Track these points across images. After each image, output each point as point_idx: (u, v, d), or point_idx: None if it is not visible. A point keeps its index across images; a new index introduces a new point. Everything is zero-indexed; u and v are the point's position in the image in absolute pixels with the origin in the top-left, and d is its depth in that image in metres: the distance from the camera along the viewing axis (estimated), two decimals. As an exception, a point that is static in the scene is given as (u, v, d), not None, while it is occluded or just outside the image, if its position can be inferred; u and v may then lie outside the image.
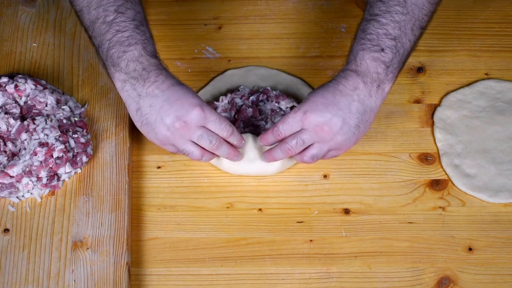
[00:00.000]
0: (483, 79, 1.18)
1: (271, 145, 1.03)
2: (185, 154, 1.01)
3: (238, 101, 1.13)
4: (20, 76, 1.11)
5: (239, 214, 1.06)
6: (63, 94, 1.14)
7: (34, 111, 1.08)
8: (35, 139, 1.04)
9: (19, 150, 1.06)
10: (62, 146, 1.04)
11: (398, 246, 1.03)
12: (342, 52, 1.21)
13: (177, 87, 0.97)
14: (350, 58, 1.00)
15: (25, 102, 1.09)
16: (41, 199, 1.04)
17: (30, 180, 1.03)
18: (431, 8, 1.00)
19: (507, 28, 1.25)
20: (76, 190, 1.05)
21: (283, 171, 1.09)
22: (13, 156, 1.05)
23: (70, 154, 1.05)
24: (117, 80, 0.98)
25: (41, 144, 1.03)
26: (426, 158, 1.11)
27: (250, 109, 1.11)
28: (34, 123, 1.06)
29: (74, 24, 1.22)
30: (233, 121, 1.11)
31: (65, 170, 1.04)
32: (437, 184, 1.09)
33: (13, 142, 1.06)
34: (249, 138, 1.06)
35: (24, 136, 1.05)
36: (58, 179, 1.05)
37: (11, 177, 1.03)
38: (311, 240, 1.04)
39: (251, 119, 1.11)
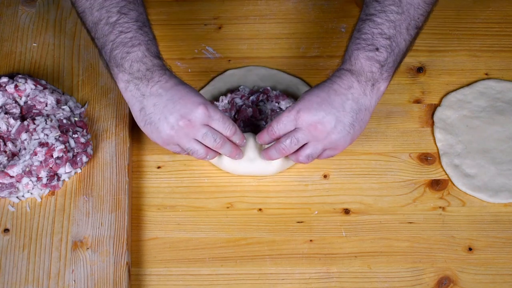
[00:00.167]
0: (483, 79, 1.18)
1: (268, 143, 1.04)
2: (189, 153, 1.01)
3: (238, 101, 1.13)
4: (20, 76, 1.11)
5: (239, 214, 1.06)
6: (63, 94, 1.14)
7: (34, 111, 1.08)
8: (35, 139, 1.04)
9: (19, 150, 1.06)
10: (62, 146, 1.04)
11: (398, 246, 1.03)
12: (342, 52, 1.20)
13: (181, 87, 0.98)
14: (345, 57, 1.00)
15: (25, 102, 1.09)
16: (41, 199, 1.04)
17: (30, 180, 1.03)
18: (427, 8, 1.00)
19: (507, 28, 1.25)
20: (76, 190, 1.05)
21: (283, 171, 1.09)
22: (13, 156, 1.05)
23: (70, 154, 1.05)
24: (120, 81, 0.98)
25: (41, 144, 1.03)
26: (426, 158, 1.11)
27: (250, 109, 1.11)
28: (34, 123, 1.06)
29: (74, 24, 1.22)
30: (233, 121, 1.11)
31: (65, 170, 1.05)
32: (437, 184, 1.09)
33: (13, 142, 1.06)
34: (250, 137, 1.06)
35: (24, 136, 1.05)
36: (58, 179, 1.05)
37: (11, 177, 1.03)
38: (311, 240, 1.04)
39: (251, 119, 1.11)
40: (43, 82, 1.13)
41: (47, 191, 1.05)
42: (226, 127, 0.99)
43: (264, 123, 1.11)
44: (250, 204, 1.07)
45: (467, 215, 1.06)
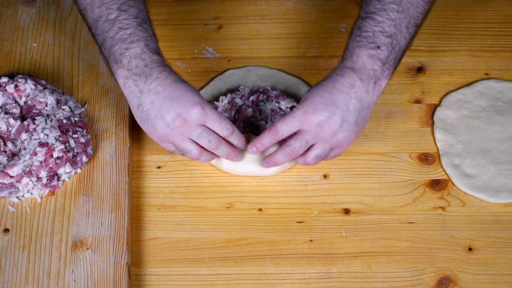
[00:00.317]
0: (483, 79, 1.18)
1: (266, 148, 1.03)
2: (183, 153, 1.01)
3: (238, 101, 1.13)
4: (20, 76, 1.11)
5: (239, 214, 1.06)
6: (63, 94, 1.14)
7: (34, 111, 1.08)
8: (35, 139, 1.04)
9: (19, 150, 1.06)
10: (62, 146, 1.04)
11: (398, 246, 1.03)
12: (342, 52, 1.20)
13: (179, 85, 0.98)
14: (346, 55, 1.00)
15: (25, 102, 1.09)
16: (41, 199, 1.04)
17: (30, 180, 1.03)
18: (426, 6, 1.01)
19: (507, 28, 1.25)
20: (76, 190, 1.05)
21: (283, 171, 1.09)
22: (13, 156, 1.05)
23: (70, 154, 1.05)
24: (119, 77, 0.98)
25: (41, 144, 1.03)
26: (426, 158, 1.11)
27: (250, 109, 1.11)
28: (34, 123, 1.06)
29: (74, 24, 1.22)
30: (233, 121, 1.11)
31: (65, 170, 1.05)
32: (437, 184, 1.09)
33: (13, 142, 1.06)
34: (250, 138, 1.06)
35: (24, 136, 1.05)
36: (58, 179, 1.05)
37: (11, 177, 1.03)
38: (311, 240, 1.04)
39: (251, 119, 1.11)
40: (43, 82, 1.13)
41: (47, 191, 1.05)
42: (223, 127, 0.98)
43: (264, 123, 1.11)
44: (250, 204, 1.07)
45: (467, 215, 1.06)
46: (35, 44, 1.20)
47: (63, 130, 1.06)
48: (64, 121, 1.08)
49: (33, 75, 1.16)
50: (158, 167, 1.10)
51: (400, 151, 1.12)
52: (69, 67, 1.17)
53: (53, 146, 1.03)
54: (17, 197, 1.04)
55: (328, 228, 1.05)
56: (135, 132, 1.12)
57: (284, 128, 0.99)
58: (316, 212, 1.06)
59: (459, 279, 1.01)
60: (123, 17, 0.98)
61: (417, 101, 1.17)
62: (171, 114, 0.96)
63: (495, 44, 1.23)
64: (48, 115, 1.08)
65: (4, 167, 1.03)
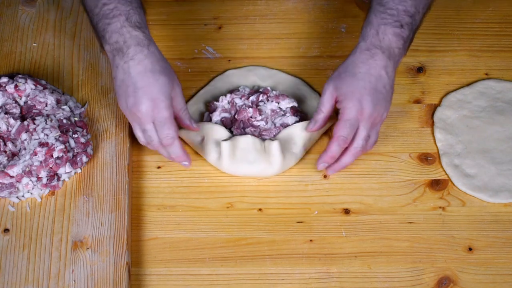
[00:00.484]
0: (483, 79, 1.18)
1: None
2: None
3: (238, 101, 1.13)
4: (20, 76, 1.11)
5: (239, 214, 1.06)
6: (63, 94, 1.14)
7: (34, 111, 1.08)
8: (35, 139, 1.04)
9: (19, 150, 1.06)
10: (62, 146, 1.04)
11: (398, 246, 1.03)
12: (342, 52, 1.21)
13: (149, 74, 0.99)
14: (368, 31, 1.02)
15: (25, 102, 1.09)
16: (41, 199, 1.04)
17: (30, 180, 1.03)
18: None
19: (507, 28, 1.25)
20: (76, 190, 1.05)
21: (284, 171, 1.09)
22: (13, 156, 1.05)
23: (70, 154, 1.05)
24: (107, 52, 1.02)
25: (41, 144, 1.03)
26: (426, 158, 1.11)
27: (250, 109, 1.11)
28: (34, 123, 1.06)
29: (74, 24, 1.22)
30: (233, 121, 1.11)
31: (65, 170, 1.05)
32: (437, 184, 1.09)
33: (13, 142, 1.06)
34: (248, 140, 1.06)
35: (24, 136, 1.05)
36: (58, 179, 1.05)
37: (11, 177, 1.03)
38: (311, 240, 1.04)
39: (251, 119, 1.11)
40: (43, 82, 1.13)
41: (47, 191, 1.05)
42: (164, 136, 1.01)
43: (264, 123, 1.11)
44: (250, 204, 1.07)
45: (467, 215, 1.06)
46: (35, 44, 1.20)
47: (63, 130, 1.06)
48: (64, 121, 1.08)
49: (33, 75, 1.16)
50: (158, 167, 1.10)
51: (400, 151, 1.12)
52: (69, 67, 1.17)
53: (53, 146, 1.03)
54: (17, 197, 1.04)
55: (328, 228, 1.05)
56: (135, 132, 1.12)
57: (349, 132, 1.02)
58: (316, 212, 1.06)
59: (459, 279, 1.01)
60: None
61: (417, 101, 1.17)
62: (131, 101, 0.99)
63: (495, 44, 1.23)
64: (48, 115, 1.08)
65: (4, 167, 1.03)
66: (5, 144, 1.06)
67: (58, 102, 1.10)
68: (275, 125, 1.11)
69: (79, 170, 1.07)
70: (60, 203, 1.04)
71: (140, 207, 1.07)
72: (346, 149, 1.04)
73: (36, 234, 1.01)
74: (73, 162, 1.05)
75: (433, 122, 1.14)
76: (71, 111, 1.11)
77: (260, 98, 1.12)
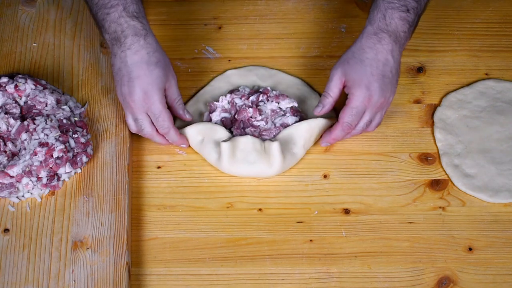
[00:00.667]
0: (483, 79, 1.18)
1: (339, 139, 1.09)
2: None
3: (238, 101, 1.13)
4: (20, 76, 1.11)
5: (239, 214, 1.06)
6: (63, 94, 1.14)
7: (34, 111, 1.08)
8: (35, 139, 1.04)
9: (19, 150, 1.06)
10: (62, 146, 1.04)
11: (398, 246, 1.03)
12: (342, 52, 1.20)
13: (144, 66, 1.02)
14: (377, 15, 1.03)
15: (25, 102, 1.09)
16: (41, 199, 1.04)
17: (30, 180, 1.03)
18: None
19: (507, 28, 1.25)
20: (76, 190, 1.05)
21: (284, 171, 1.09)
22: (13, 156, 1.05)
23: (70, 154, 1.05)
24: (106, 40, 1.05)
25: (41, 144, 1.03)
26: (426, 158, 1.11)
27: (250, 109, 1.11)
28: (34, 123, 1.06)
29: (74, 24, 1.22)
30: (233, 121, 1.11)
31: (65, 170, 1.05)
32: (437, 184, 1.09)
33: (13, 142, 1.06)
34: (248, 140, 1.06)
35: (24, 136, 1.05)
36: (58, 179, 1.05)
37: (11, 177, 1.03)
38: (311, 240, 1.04)
39: (251, 119, 1.11)
40: (43, 82, 1.13)
41: (47, 191, 1.05)
42: (160, 126, 1.04)
43: (264, 123, 1.11)
44: (250, 204, 1.07)
45: (467, 215, 1.06)
46: (35, 44, 1.20)
47: (63, 130, 1.06)
48: (64, 121, 1.08)
49: (33, 75, 1.16)
50: (158, 167, 1.10)
51: (400, 151, 1.12)
52: (69, 67, 1.17)
53: (53, 146, 1.03)
54: (17, 197, 1.04)
55: (328, 228, 1.05)
56: (135, 132, 1.12)
57: (354, 118, 1.04)
58: (316, 212, 1.06)
59: (459, 279, 1.01)
60: None
61: (417, 101, 1.17)
62: (125, 90, 1.02)
63: (495, 44, 1.23)
64: (48, 115, 1.08)
65: (4, 167, 1.03)
66: (5, 144, 1.06)
67: (58, 102, 1.10)
68: (275, 125, 1.11)
69: (79, 170, 1.07)
70: (60, 203, 1.04)
71: (140, 207, 1.07)
72: None
73: (36, 234, 1.01)
74: (73, 162, 1.05)
75: (433, 122, 1.14)
76: (71, 111, 1.11)
77: (260, 98, 1.12)
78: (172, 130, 1.05)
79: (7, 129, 1.06)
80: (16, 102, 1.09)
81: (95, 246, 1.00)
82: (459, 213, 1.06)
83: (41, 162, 1.03)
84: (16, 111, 1.08)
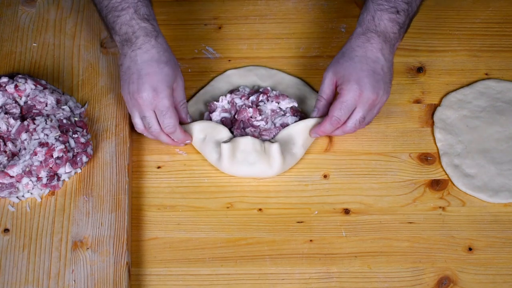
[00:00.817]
0: (483, 79, 1.18)
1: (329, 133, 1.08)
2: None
3: (238, 101, 1.13)
4: (20, 76, 1.11)
5: (239, 214, 1.06)
6: (63, 94, 1.14)
7: (34, 111, 1.08)
8: (35, 139, 1.04)
9: (19, 150, 1.06)
10: (62, 146, 1.04)
11: (398, 246, 1.03)
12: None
13: (154, 64, 1.02)
14: (366, 17, 1.04)
15: (25, 102, 1.09)
16: (41, 199, 1.04)
17: (30, 180, 1.03)
18: None
19: (507, 28, 1.25)
20: (76, 190, 1.05)
21: (284, 171, 1.09)
22: (13, 156, 1.05)
23: (70, 154, 1.05)
24: (116, 42, 1.06)
25: (41, 144, 1.03)
26: (426, 158, 1.11)
27: (250, 109, 1.11)
28: (34, 123, 1.06)
29: (74, 24, 1.22)
30: (233, 121, 1.11)
31: (65, 170, 1.05)
32: (437, 184, 1.09)
33: (13, 142, 1.06)
34: (248, 141, 1.06)
35: (24, 136, 1.05)
36: (58, 179, 1.05)
37: (11, 177, 1.03)
38: (311, 240, 1.04)
39: (251, 119, 1.11)
40: (43, 82, 1.13)
41: (47, 191, 1.05)
42: (166, 125, 1.04)
43: (264, 123, 1.11)
44: (250, 204, 1.07)
45: (467, 215, 1.06)
46: (35, 44, 1.20)
47: (63, 130, 1.06)
48: (64, 121, 1.08)
49: (33, 75, 1.16)
50: (158, 167, 1.10)
51: (400, 151, 1.12)
52: (69, 67, 1.17)
53: (53, 146, 1.03)
54: (17, 197, 1.04)
55: (328, 228, 1.05)
56: (135, 132, 1.12)
57: (344, 113, 1.03)
58: (316, 212, 1.06)
59: (459, 279, 1.01)
60: None
61: (417, 101, 1.17)
62: (133, 87, 1.02)
63: (495, 44, 1.23)
64: (48, 115, 1.08)
65: (4, 167, 1.03)
66: (5, 144, 1.06)
67: (58, 102, 1.10)
68: (275, 125, 1.11)
69: (79, 170, 1.07)
70: (60, 203, 1.04)
71: (140, 207, 1.07)
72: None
73: (36, 234, 1.01)
74: (73, 162, 1.05)
75: (433, 122, 1.14)
76: (71, 111, 1.11)
77: (260, 98, 1.12)
78: (178, 129, 1.05)
79: (7, 129, 1.06)
80: (16, 102, 1.09)
81: (95, 246, 1.00)
82: (459, 213, 1.06)
83: (41, 162, 1.03)
84: (16, 111, 1.08)
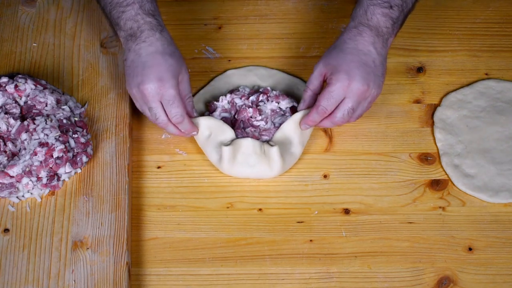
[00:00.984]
0: (483, 79, 1.18)
1: (316, 123, 1.06)
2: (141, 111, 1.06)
3: (238, 101, 1.13)
4: (20, 76, 1.11)
5: (239, 214, 1.06)
6: (63, 94, 1.14)
7: (34, 111, 1.08)
8: (35, 139, 1.04)
9: (19, 150, 1.06)
10: (62, 146, 1.04)
11: (398, 246, 1.03)
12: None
13: (159, 56, 1.02)
14: (359, 12, 1.04)
15: (25, 102, 1.09)
16: (41, 199, 1.04)
17: (30, 180, 1.03)
18: None
19: (507, 28, 1.25)
20: (76, 190, 1.05)
21: (284, 172, 1.09)
22: (13, 156, 1.05)
23: (70, 154, 1.05)
24: (120, 38, 1.05)
25: (41, 144, 1.03)
26: (426, 158, 1.11)
27: (250, 109, 1.11)
28: (34, 123, 1.06)
29: (74, 24, 1.22)
30: (233, 121, 1.11)
31: (65, 170, 1.05)
32: (437, 184, 1.09)
33: (13, 142, 1.06)
34: (249, 142, 1.06)
35: (24, 136, 1.05)
36: (58, 179, 1.05)
37: (11, 177, 1.03)
38: (311, 240, 1.04)
39: (251, 119, 1.11)
40: (43, 82, 1.13)
41: (47, 191, 1.05)
42: (173, 115, 1.03)
43: (264, 123, 1.11)
44: (250, 204, 1.07)
45: (467, 215, 1.06)
46: (35, 44, 1.20)
47: (63, 130, 1.06)
48: (64, 121, 1.08)
49: (33, 75, 1.16)
50: (158, 167, 1.10)
51: (400, 151, 1.12)
52: (69, 67, 1.17)
53: (53, 146, 1.03)
54: (17, 197, 1.04)
55: (328, 228, 1.05)
56: (135, 132, 1.12)
57: (331, 103, 1.02)
58: (316, 212, 1.06)
59: (459, 279, 1.01)
60: None
61: (417, 101, 1.17)
62: (138, 80, 1.01)
63: (495, 44, 1.23)
64: (48, 115, 1.08)
65: (4, 167, 1.03)
66: (5, 144, 1.06)
67: (58, 102, 1.10)
68: (275, 125, 1.11)
69: (79, 170, 1.07)
70: (60, 203, 1.04)
71: (140, 207, 1.07)
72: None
73: (36, 234, 1.01)
74: (73, 162, 1.05)
75: (433, 122, 1.14)
76: (71, 111, 1.11)
77: (260, 98, 1.12)
78: (186, 119, 1.04)
79: (7, 129, 1.06)
80: (16, 102, 1.09)
81: (95, 246, 1.00)
82: (459, 213, 1.06)
83: (41, 162, 1.03)
84: (16, 111, 1.08)
